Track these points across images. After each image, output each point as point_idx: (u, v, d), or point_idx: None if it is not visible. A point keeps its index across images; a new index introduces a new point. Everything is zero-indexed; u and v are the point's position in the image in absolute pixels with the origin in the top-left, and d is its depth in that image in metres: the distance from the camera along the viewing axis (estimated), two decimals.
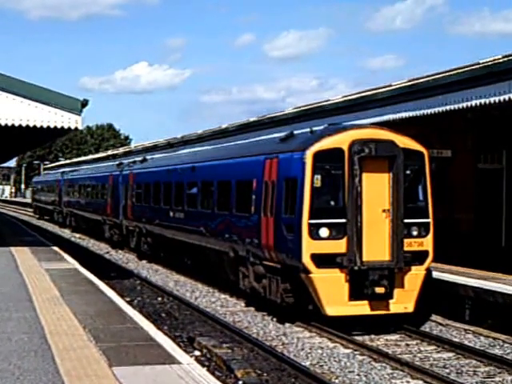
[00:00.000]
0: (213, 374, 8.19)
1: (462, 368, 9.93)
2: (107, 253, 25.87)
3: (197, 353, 10.33)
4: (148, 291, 16.75)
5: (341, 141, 11.72)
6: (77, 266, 15.78)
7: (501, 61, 11.41)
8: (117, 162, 29.24)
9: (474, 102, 11.90)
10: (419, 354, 10.70)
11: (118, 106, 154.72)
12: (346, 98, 16.46)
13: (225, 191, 15.31)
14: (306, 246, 11.50)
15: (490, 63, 11.65)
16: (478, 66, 11.97)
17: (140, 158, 25.74)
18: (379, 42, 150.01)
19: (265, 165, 13.13)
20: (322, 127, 13.39)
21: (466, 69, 12.27)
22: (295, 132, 13.65)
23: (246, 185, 13.89)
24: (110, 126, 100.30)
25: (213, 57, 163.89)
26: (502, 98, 11.22)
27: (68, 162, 60.06)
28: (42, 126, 14.49)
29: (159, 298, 15.69)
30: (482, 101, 11.66)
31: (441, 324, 12.65)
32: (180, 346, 9.12)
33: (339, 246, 11.50)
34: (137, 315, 10.05)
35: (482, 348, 10.98)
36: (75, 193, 36.17)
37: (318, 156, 11.65)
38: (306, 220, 11.52)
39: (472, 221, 16.28)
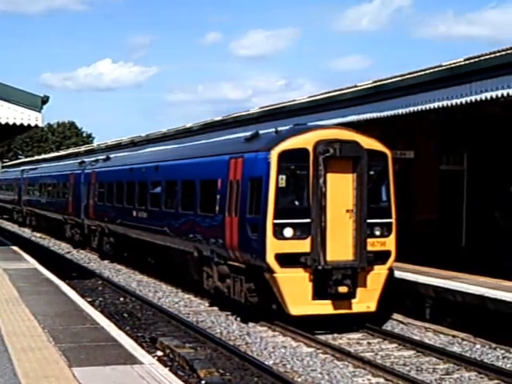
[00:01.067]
0: (175, 373, 8.10)
1: (421, 365, 10.07)
2: (68, 252, 25.44)
3: (159, 353, 10.21)
4: (110, 291, 16.52)
5: (306, 141, 11.76)
6: (37, 265, 15.47)
7: (462, 63, 11.61)
8: (79, 161, 28.83)
9: (436, 104, 12.07)
10: (381, 352, 10.81)
11: (81, 103, 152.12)
12: (311, 99, 16.52)
13: (189, 191, 15.20)
14: (271, 246, 11.51)
15: (452, 66, 11.85)
16: (440, 69, 12.15)
17: (103, 157, 25.39)
18: (346, 42, 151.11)
19: (229, 164, 13.08)
20: (287, 127, 13.42)
21: (429, 71, 12.45)
22: (260, 132, 13.64)
23: (211, 184, 13.82)
24: (72, 124, 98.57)
25: (179, 55, 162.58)
26: (463, 100, 11.40)
27: (28, 159, 58.84)
28: (0, 123, 14.13)
29: (121, 298, 15.49)
30: (445, 103, 11.84)
31: (402, 322, 12.81)
32: (142, 347, 9.02)
33: (303, 245, 11.54)
34: (98, 315, 9.90)
35: (441, 346, 11.16)
36: (35, 191, 35.51)
37: (283, 156, 11.67)
38: (270, 220, 11.53)
39: (434, 221, 16.54)
